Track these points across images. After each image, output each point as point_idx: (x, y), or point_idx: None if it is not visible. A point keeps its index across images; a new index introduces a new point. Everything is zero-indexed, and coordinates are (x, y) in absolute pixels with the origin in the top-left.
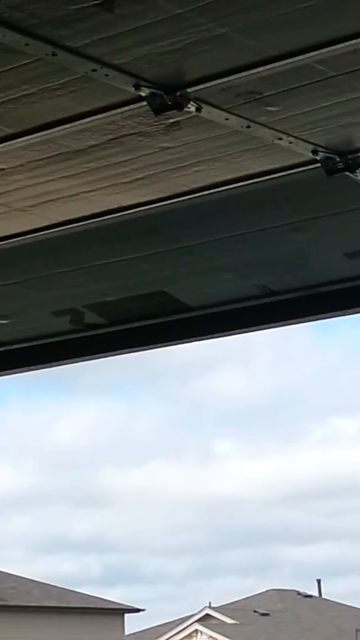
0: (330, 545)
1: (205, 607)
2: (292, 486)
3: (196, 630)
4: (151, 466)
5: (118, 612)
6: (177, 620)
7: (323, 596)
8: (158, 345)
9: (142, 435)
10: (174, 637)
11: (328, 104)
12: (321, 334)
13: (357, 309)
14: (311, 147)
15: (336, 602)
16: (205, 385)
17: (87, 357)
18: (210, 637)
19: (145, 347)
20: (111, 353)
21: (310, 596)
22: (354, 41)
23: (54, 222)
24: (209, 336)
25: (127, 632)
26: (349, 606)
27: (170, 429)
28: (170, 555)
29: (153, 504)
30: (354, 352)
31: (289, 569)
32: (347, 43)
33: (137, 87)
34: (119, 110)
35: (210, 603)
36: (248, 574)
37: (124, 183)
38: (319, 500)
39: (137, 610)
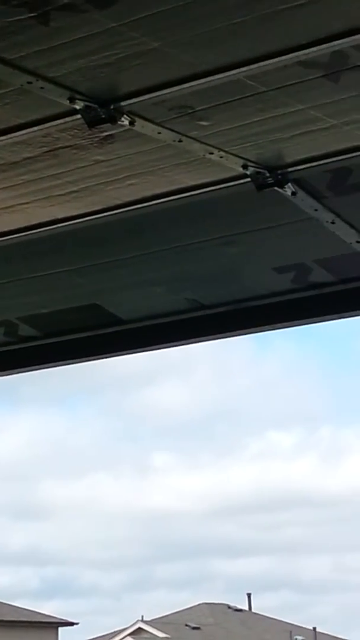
0: (263, 559)
1: (138, 620)
2: (227, 500)
3: None
4: (90, 479)
5: (52, 625)
6: (110, 634)
7: (253, 610)
8: (91, 358)
9: (82, 448)
10: None
11: (258, 119)
12: (260, 347)
13: (285, 324)
14: (241, 161)
15: (266, 616)
16: (146, 397)
17: (21, 370)
18: None
19: (79, 360)
20: (45, 365)
21: (240, 610)
22: (284, 57)
23: None
24: (140, 349)
25: None
26: (278, 620)
27: (110, 441)
28: (106, 569)
29: (91, 517)
30: (291, 365)
31: (223, 583)
32: (277, 59)
33: (72, 100)
34: (53, 122)
35: (142, 617)
36: (182, 588)
37: (58, 195)
38: (254, 513)
39: (71, 624)
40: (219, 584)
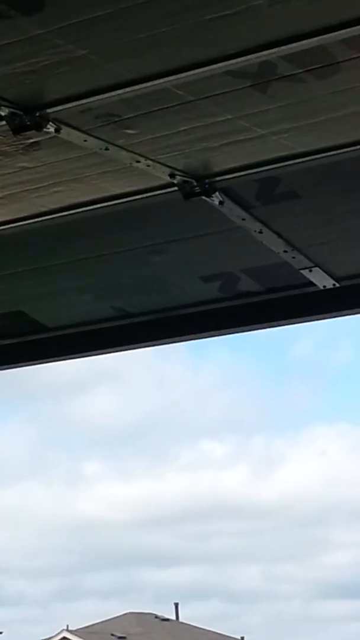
0: (193, 568)
1: (63, 630)
2: (158, 509)
3: None
4: (19, 487)
5: None
6: None
7: (182, 620)
8: (15, 365)
9: (12, 456)
10: None
11: (186, 128)
12: (195, 355)
13: (212, 332)
14: (169, 170)
15: (192, 626)
16: (79, 406)
17: None
18: None
19: (3, 367)
20: None
21: (167, 620)
22: (212, 66)
23: None
24: (66, 357)
25: None
26: (205, 629)
27: (41, 450)
28: (33, 578)
29: (19, 526)
30: (225, 374)
31: (152, 592)
32: (205, 68)
33: None
34: None
35: (67, 626)
36: (111, 597)
37: None
38: (185, 523)
39: None
40: (148, 594)
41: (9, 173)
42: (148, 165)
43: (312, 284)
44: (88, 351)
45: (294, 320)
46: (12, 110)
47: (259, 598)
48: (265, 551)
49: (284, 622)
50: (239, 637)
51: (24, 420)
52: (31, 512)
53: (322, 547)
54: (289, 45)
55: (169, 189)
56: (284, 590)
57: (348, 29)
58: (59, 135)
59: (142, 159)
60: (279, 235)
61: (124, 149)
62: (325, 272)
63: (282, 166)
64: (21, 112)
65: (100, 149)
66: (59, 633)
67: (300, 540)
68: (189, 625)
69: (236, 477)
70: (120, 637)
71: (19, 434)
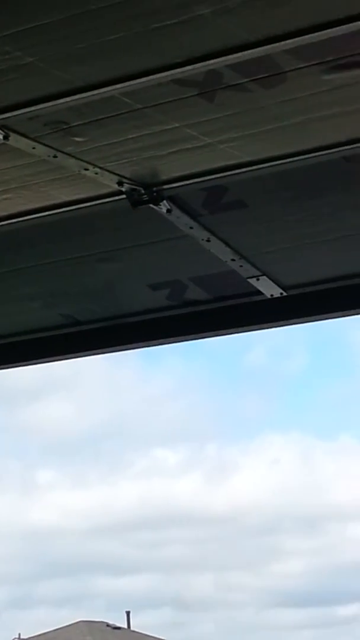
0: (145, 576)
1: (15, 638)
2: (111, 517)
3: None
4: None
5: None
6: None
7: (133, 628)
8: None
9: None
10: None
11: (134, 136)
12: (148, 363)
13: (160, 340)
14: (117, 178)
15: (144, 634)
16: (31, 414)
17: None
18: None
19: None
20: None
21: (119, 628)
22: (159, 75)
23: None
24: (13, 364)
25: None
26: (156, 638)
27: None
28: None
29: None
30: (179, 382)
31: (104, 601)
32: (152, 77)
33: None
34: None
35: (19, 635)
36: (63, 605)
37: None
38: (138, 531)
39: None
40: (101, 602)
41: None
42: (96, 173)
43: (259, 292)
44: (37, 359)
45: (242, 328)
46: None
47: (211, 606)
48: (217, 559)
49: (236, 631)
50: None
51: None
52: None
53: (274, 555)
54: (235, 55)
55: (117, 197)
56: (236, 598)
57: (294, 39)
58: (7, 142)
59: (90, 167)
60: (227, 244)
61: (73, 156)
62: (273, 281)
63: (229, 175)
64: None
65: (49, 156)
66: None
67: (252, 549)
68: (140, 633)
69: (189, 485)
70: None
71: None
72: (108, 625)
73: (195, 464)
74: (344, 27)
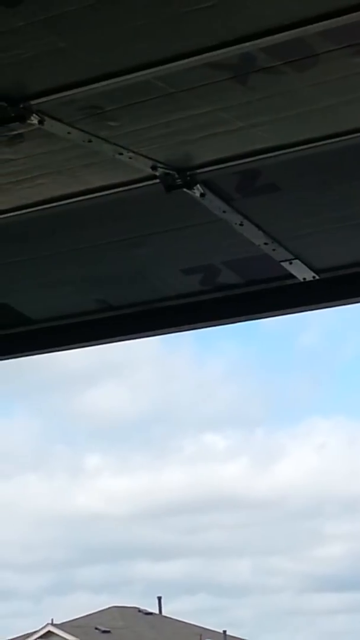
0: (185, 561)
1: (48, 624)
2: (156, 502)
3: None
4: (18, 480)
5: None
6: (19, 637)
7: (167, 614)
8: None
9: (12, 449)
10: None
11: (167, 120)
12: (202, 347)
13: (193, 325)
14: (150, 162)
15: (175, 620)
16: (83, 398)
17: None
18: None
19: None
20: None
21: (150, 613)
22: (192, 59)
23: None
24: (49, 350)
25: None
26: (188, 623)
27: (43, 442)
28: (27, 571)
29: (16, 519)
30: (231, 366)
31: (143, 586)
32: (185, 61)
33: None
34: None
35: (52, 620)
36: (101, 591)
37: None
38: (181, 516)
39: None
40: (139, 587)
41: None
42: (130, 158)
43: (292, 276)
44: (71, 344)
45: (275, 312)
46: None
47: (248, 592)
48: (257, 544)
49: (272, 616)
50: (221, 631)
51: (27, 413)
52: (29, 505)
53: (314, 539)
54: (268, 38)
55: (150, 181)
56: (274, 583)
57: (326, 21)
58: (43, 127)
59: (124, 151)
60: (259, 228)
61: (107, 141)
62: (305, 265)
63: (262, 158)
64: (5, 104)
65: (83, 141)
66: (44, 627)
67: (293, 533)
68: (171, 619)
69: (234, 470)
70: (104, 631)
71: (22, 426)
72: (140, 610)
73: (242, 449)
74: None
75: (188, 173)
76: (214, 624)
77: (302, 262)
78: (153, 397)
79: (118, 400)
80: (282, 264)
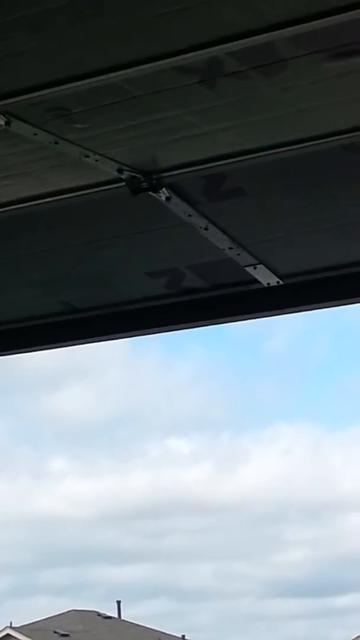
0: (146, 566)
1: (6, 627)
2: (118, 506)
3: None
4: None
5: None
6: None
7: (127, 618)
8: None
9: None
10: None
11: (134, 123)
12: (169, 350)
13: (158, 329)
14: (117, 165)
15: (135, 624)
16: (49, 400)
17: None
18: None
19: None
20: None
21: (110, 617)
22: (160, 62)
23: None
24: (12, 351)
25: None
26: (147, 627)
27: (6, 444)
28: None
29: None
30: (198, 370)
31: (104, 590)
32: (153, 64)
33: None
34: None
35: (11, 623)
36: (62, 594)
37: None
38: (142, 520)
39: None
40: (101, 591)
41: None
42: (96, 160)
43: (256, 281)
44: (35, 346)
45: (239, 317)
46: None
47: (209, 596)
48: (219, 549)
49: (232, 621)
50: (180, 636)
51: None
52: None
53: (276, 545)
54: (236, 42)
55: (116, 184)
56: (235, 588)
57: (295, 27)
58: (9, 129)
59: (90, 154)
60: (224, 232)
61: (74, 143)
62: (270, 270)
63: (229, 163)
64: None
65: (50, 142)
66: (2, 630)
67: (255, 538)
68: (130, 623)
69: (198, 474)
70: (62, 635)
71: None
72: (99, 614)
73: (207, 453)
74: (344, 14)
75: (154, 176)
76: (174, 629)
77: (267, 267)
78: (119, 400)
79: (84, 403)
80: (247, 268)
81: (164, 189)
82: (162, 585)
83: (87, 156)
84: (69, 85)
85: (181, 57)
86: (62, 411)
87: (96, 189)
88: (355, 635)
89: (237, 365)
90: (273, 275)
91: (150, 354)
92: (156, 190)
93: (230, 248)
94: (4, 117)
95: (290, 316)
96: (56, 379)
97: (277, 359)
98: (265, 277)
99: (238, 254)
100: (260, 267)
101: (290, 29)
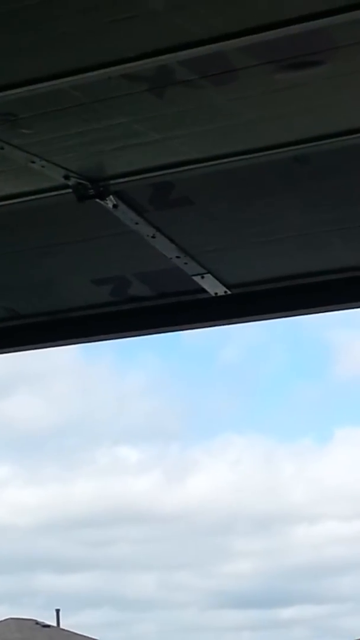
0: (89, 574)
1: None
2: (60, 514)
3: None
4: None
5: None
6: None
7: (68, 627)
8: None
9: None
10: None
11: (82, 130)
12: (122, 358)
13: (103, 336)
14: (63, 172)
15: (74, 633)
16: None
17: None
18: None
19: None
20: None
21: (48, 626)
22: (108, 69)
23: None
24: None
25: None
26: (86, 636)
27: None
28: None
29: None
30: (150, 379)
31: (45, 598)
32: (102, 71)
33: None
34: None
35: None
36: (2, 602)
37: None
38: (86, 529)
39: None
40: (41, 600)
41: None
42: (43, 166)
43: (204, 290)
44: None
45: (185, 326)
46: None
47: (152, 606)
48: (164, 559)
49: (175, 631)
50: None
51: None
52: None
53: (222, 556)
54: (187, 51)
55: (63, 191)
56: (179, 598)
57: (247, 37)
58: None
59: (37, 160)
60: (172, 241)
61: (20, 148)
62: (217, 279)
63: (177, 171)
64: None
65: None
66: None
67: (201, 549)
68: (69, 632)
69: (146, 484)
70: None
71: None
72: (37, 623)
73: (155, 463)
74: (296, 26)
75: (101, 183)
76: (116, 639)
77: (214, 276)
78: (69, 408)
79: (32, 410)
80: (194, 277)
81: (111, 197)
82: (105, 594)
83: (33, 162)
84: (15, 91)
85: (130, 64)
86: (8, 418)
87: (42, 195)
88: None
89: (191, 375)
90: (220, 285)
91: (102, 362)
92: (103, 198)
93: (177, 257)
94: None
95: (247, 326)
96: (3, 385)
97: (231, 369)
98: (213, 287)
99: (185, 263)
100: (208, 276)
101: (241, 39)
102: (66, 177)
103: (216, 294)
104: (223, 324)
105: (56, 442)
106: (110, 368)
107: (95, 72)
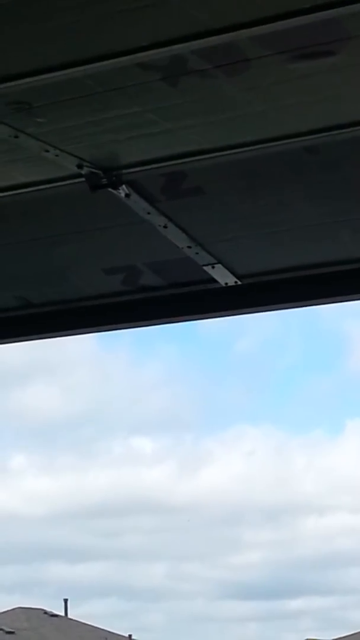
0: (100, 564)
1: None
2: (74, 504)
3: None
4: None
5: None
6: None
7: (76, 617)
8: None
9: None
10: None
11: (95, 119)
12: (139, 348)
13: (114, 326)
14: (76, 161)
15: (81, 622)
16: (13, 396)
17: None
18: None
19: None
20: None
21: (56, 616)
22: (122, 58)
23: None
24: None
25: None
26: (93, 626)
27: None
28: None
29: None
30: (167, 369)
31: (56, 588)
32: (115, 60)
33: None
34: None
35: None
36: (14, 591)
37: None
38: (99, 519)
39: None
40: (51, 589)
41: None
42: (56, 155)
43: (214, 280)
44: None
45: (195, 316)
46: None
47: (160, 596)
48: (174, 549)
49: (183, 622)
50: (127, 635)
51: None
52: None
53: (232, 547)
54: (200, 41)
55: (76, 180)
56: (187, 589)
57: (259, 27)
58: None
59: (50, 149)
60: (183, 231)
61: (34, 137)
62: (228, 269)
63: (189, 161)
64: None
65: (10, 136)
66: None
67: (211, 540)
68: (77, 621)
69: (159, 474)
70: (8, 632)
71: None
72: (45, 612)
73: (169, 454)
74: (309, 16)
75: (114, 173)
76: (123, 628)
77: (225, 266)
78: (86, 398)
79: (49, 400)
80: (205, 267)
81: (123, 186)
82: (113, 584)
83: (47, 151)
84: (30, 79)
85: (144, 54)
86: (26, 407)
87: (55, 184)
88: (305, 638)
89: (207, 365)
90: (231, 275)
91: (119, 352)
92: (116, 187)
93: (188, 247)
94: None
95: (262, 317)
96: (21, 374)
97: (246, 360)
98: (223, 277)
99: (196, 253)
100: (219, 266)
101: (255, 28)
102: (79, 166)
103: (226, 284)
104: (233, 314)
105: (72, 432)
106: (127, 358)
107: (109, 61)
